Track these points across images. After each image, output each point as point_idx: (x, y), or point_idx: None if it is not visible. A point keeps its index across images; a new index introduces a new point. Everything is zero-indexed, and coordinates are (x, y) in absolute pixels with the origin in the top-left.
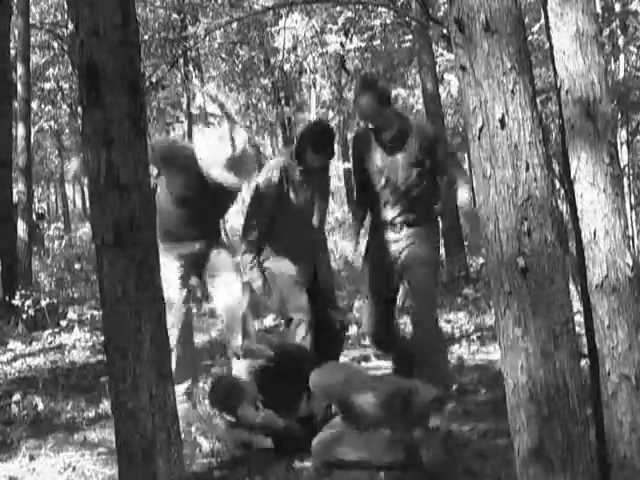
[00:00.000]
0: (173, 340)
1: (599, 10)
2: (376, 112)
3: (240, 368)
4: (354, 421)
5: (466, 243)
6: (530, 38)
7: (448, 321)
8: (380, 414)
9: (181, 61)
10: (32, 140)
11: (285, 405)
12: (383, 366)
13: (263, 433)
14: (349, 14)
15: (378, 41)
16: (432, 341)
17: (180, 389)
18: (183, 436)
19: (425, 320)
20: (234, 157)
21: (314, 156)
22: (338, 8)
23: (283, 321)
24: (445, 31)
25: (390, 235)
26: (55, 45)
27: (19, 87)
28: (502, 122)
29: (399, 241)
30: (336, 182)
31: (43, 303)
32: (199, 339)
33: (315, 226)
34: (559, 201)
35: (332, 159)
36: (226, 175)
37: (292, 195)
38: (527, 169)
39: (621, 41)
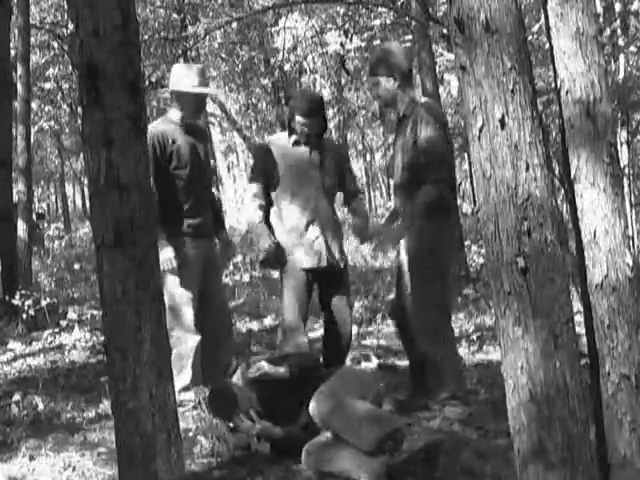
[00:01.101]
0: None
1: (600, 10)
2: (384, 91)
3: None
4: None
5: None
6: (530, 38)
7: None
8: (372, 449)
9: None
10: (32, 140)
11: (286, 415)
12: (384, 365)
13: (262, 440)
14: (349, 12)
15: (378, 41)
16: (431, 347)
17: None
18: (183, 436)
19: (422, 324)
20: (202, 70)
21: (303, 122)
22: (338, 8)
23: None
24: (445, 31)
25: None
26: (55, 45)
27: (19, 87)
28: (502, 122)
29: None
30: None
31: (43, 303)
32: None
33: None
34: (559, 201)
35: (324, 130)
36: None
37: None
38: (527, 169)
39: (622, 41)
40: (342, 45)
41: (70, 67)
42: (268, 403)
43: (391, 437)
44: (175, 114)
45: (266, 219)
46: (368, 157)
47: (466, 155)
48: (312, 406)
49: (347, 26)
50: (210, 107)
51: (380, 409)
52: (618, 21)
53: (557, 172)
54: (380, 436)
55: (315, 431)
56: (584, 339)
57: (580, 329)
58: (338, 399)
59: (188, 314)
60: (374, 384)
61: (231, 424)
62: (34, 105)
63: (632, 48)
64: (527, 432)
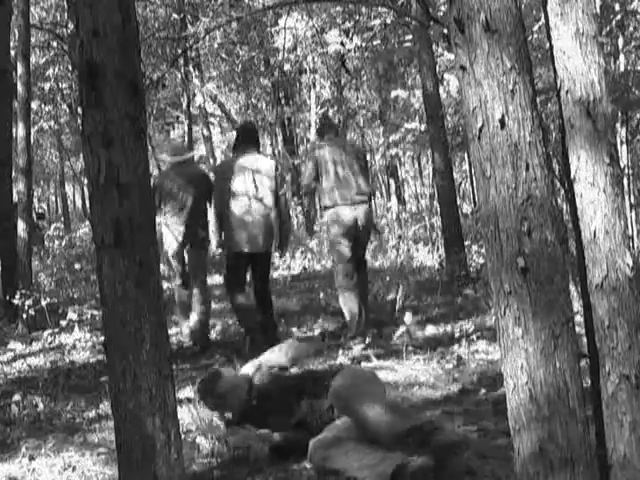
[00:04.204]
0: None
1: (598, 10)
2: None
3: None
4: (365, 437)
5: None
6: (530, 38)
7: (448, 321)
8: (396, 443)
9: (181, 61)
10: (32, 140)
11: (281, 414)
12: (384, 366)
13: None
14: (348, 11)
15: (378, 41)
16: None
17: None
18: (183, 436)
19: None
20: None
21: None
22: (338, 8)
23: None
24: (445, 31)
25: None
26: (55, 45)
27: (19, 87)
28: (502, 122)
29: None
30: None
31: (43, 303)
32: None
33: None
34: (559, 201)
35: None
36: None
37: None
38: (527, 169)
39: (621, 41)
40: (342, 44)
41: (70, 67)
42: (265, 395)
43: (415, 432)
44: None
45: None
46: (368, 157)
47: (466, 155)
48: (334, 389)
49: (347, 25)
50: (210, 107)
51: (401, 404)
52: (619, 16)
53: (557, 172)
54: (404, 429)
55: (311, 430)
56: (584, 339)
57: (580, 329)
58: (358, 388)
59: None
60: (380, 382)
61: (221, 414)
62: (34, 105)
63: (631, 47)
64: (527, 432)
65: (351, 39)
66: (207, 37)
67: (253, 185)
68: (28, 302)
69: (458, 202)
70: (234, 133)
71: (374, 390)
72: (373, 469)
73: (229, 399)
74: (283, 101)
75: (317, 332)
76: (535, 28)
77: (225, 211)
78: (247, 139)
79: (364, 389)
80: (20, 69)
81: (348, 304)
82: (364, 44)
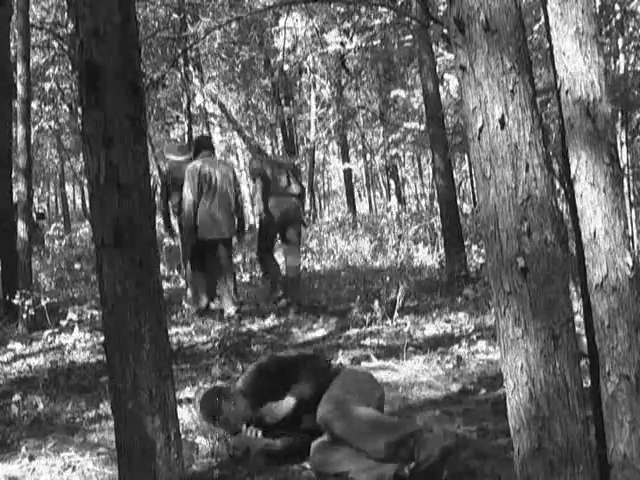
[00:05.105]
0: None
1: (598, 10)
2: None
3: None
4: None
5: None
6: (530, 38)
7: (448, 321)
8: (385, 457)
9: (181, 61)
10: (32, 140)
11: (286, 423)
12: (384, 366)
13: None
14: (350, 7)
15: (378, 41)
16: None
17: None
18: (183, 436)
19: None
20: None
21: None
22: (338, 8)
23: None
24: (445, 31)
25: None
26: (55, 45)
27: (19, 87)
28: (502, 122)
29: None
30: (337, 182)
31: (43, 303)
32: (200, 339)
33: None
34: (559, 201)
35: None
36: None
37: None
38: (527, 169)
39: (621, 41)
40: (342, 44)
41: (70, 67)
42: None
43: (402, 444)
44: None
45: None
46: (368, 157)
47: (466, 155)
48: (319, 414)
49: (347, 25)
50: (210, 107)
51: (388, 416)
52: (618, 16)
53: (557, 172)
54: (390, 442)
55: (317, 435)
56: (584, 339)
57: (580, 329)
58: (345, 406)
59: None
60: (376, 386)
61: (221, 429)
62: (34, 105)
63: (630, 47)
64: (527, 432)
65: (351, 39)
66: (207, 37)
67: (221, 182)
68: (28, 302)
69: (458, 202)
70: (234, 133)
71: (361, 406)
72: (374, 471)
73: (231, 420)
74: (283, 101)
75: (317, 333)
76: (535, 28)
77: (197, 205)
78: (208, 146)
79: (351, 405)
80: (20, 69)
81: None
82: (364, 44)
